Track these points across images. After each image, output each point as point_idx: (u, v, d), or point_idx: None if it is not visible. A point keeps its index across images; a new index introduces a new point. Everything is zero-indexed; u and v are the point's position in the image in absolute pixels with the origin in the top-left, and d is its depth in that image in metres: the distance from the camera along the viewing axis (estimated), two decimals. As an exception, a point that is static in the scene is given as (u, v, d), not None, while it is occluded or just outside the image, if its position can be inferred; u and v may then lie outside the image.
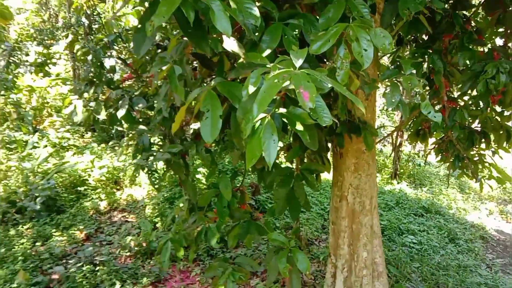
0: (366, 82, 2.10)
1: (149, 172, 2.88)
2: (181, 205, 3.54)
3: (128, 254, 5.78)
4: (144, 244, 5.79)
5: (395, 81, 2.00)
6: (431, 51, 3.86)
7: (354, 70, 2.00)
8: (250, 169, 3.36)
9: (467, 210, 8.64)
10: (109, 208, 7.27)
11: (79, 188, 7.48)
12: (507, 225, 8.17)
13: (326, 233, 6.96)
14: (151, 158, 2.88)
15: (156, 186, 2.95)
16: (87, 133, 10.49)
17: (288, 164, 3.47)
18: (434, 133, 5.02)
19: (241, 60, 1.94)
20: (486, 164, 5.02)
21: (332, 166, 3.61)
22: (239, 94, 1.69)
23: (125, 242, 5.90)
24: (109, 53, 3.83)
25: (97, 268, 5.14)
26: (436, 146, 5.14)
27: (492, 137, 4.70)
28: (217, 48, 1.98)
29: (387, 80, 2.05)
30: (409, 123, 5.15)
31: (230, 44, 1.87)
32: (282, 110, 1.59)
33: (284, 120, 1.61)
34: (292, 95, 1.76)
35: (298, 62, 1.55)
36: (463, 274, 5.75)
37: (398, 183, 9.63)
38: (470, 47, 3.72)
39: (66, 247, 5.70)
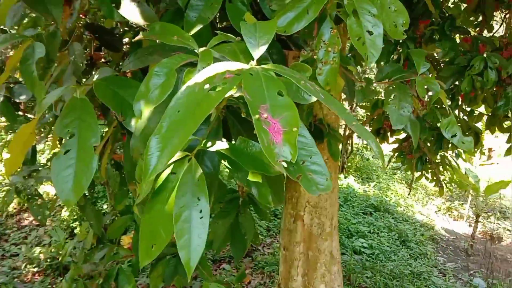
0: (353, 83, 1.34)
1: (28, 197, 1.97)
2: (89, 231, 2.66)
3: (36, 269, 4.79)
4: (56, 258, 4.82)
5: (402, 84, 1.26)
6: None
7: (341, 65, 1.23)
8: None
9: (414, 207, 8.35)
10: (18, 208, 6.13)
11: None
12: (455, 224, 7.95)
13: (272, 236, 6.31)
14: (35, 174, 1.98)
15: (39, 217, 2.04)
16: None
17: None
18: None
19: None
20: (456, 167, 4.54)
21: (285, 178, 2.88)
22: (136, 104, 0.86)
23: (33, 255, 4.89)
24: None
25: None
26: (399, 147, 4.59)
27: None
28: (112, 16, 1.14)
29: (386, 80, 1.31)
30: (369, 121, 4.54)
31: (128, 9, 1.02)
32: (221, 145, 0.79)
33: (225, 165, 0.81)
34: (238, 104, 0.98)
35: (257, 50, 0.76)
36: (417, 283, 5.34)
37: (345, 177, 9.18)
38: (452, 35, 3.10)
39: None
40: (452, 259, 6.45)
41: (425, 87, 1.21)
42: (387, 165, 7.52)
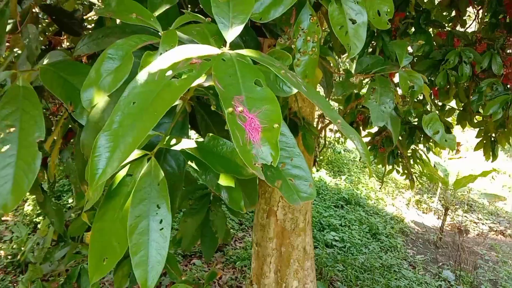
0: (331, 75, 1.25)
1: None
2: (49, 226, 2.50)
3: (-4, 267, 4.55)
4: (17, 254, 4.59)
5: (384, 77, 1.18)
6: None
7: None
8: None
9: (385, 200, 8.44)
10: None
11: None
12: (424, 216, 8.08)
13: (244, 230, 6.23)
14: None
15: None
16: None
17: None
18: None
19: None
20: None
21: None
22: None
23: (-8, 252, 4.65)
24: None
25: None
26: (371, 141, 4.58)
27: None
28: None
29: (366, 74, 1.22)
30: (342, 115, 4.50)
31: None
32: (187, 143, 0.68)
33: (193, 166, 0.70)
34: (208, 95, 0.87)
35: (231, 32, 0.66)
36: (387, 276, 5.38)
37: (317, 170, 9.17)
38: (426, 29, 3.07)
39: None
40: (421, 251, 6.55)
41: (408, 80, 1.13)
42: (360, 158, 7.55)
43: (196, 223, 1.92)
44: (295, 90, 0.67)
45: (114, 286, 2.37)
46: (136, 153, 0.63)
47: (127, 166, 0.63)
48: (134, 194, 0.59)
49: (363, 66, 1.23)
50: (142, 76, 0.56)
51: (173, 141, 0.66)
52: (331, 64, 1.22)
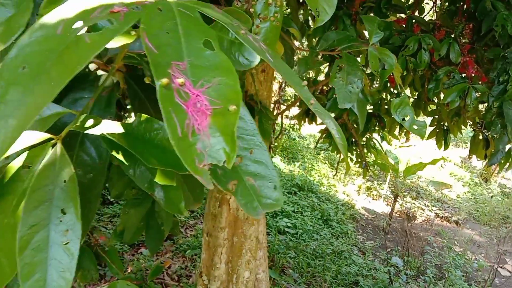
0: (293, 51, 1.11)
1: None
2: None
3: None
4: None
5: (351, 55, 1.05)
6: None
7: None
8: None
9: (337, 186, 8.53)
10: None
11: None
12: (374, 203, 8.25)
13: (195, 217, 6.06)
14: None
15: None
16: None
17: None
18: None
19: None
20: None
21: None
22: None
23: None
24: None
25: None
26: (326, 128, 4.52)
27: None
28: None
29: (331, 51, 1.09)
30: (299, 102, 4.40)
31: None
32: (109, 126, 0.51)
33: (116, 156, 0.53)
34: (141, 63, 0.69)
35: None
36: (338, 262, 5.42)
37: (272, 157, 9.13)
38: (387, 14, 2.99)
39: None
40: (371, 237, 6.66)
41: (379, 58, 1.01)
42: (315, 146, 7.54)
43: (140, 214, 1.74)
44: (255, 62, 0.52)
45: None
46: (37, 137, 0.46)
47: (25, 154, 0.46)
48: (30, 195, 0.42)
49: (329, 42, 1.10)
50: (38, 29, 0.39)
51: (90, 122, 0.49)
52: (294, 39, 1.07)
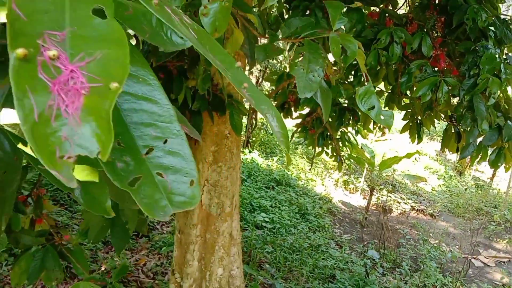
0: (255, 39, 1.06)
1: None
2: None
3: None
4: None
5: (313, 42, 1.01)
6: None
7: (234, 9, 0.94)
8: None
9: (314, 180, 8.55)
10: None
11: None
12: (351, 196, 8.30)
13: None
14: None
15: None
16: None
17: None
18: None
19: None
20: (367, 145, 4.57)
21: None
22: None
23: None
24: None
25: None
26: (301, 122, 4.50)
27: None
28: None
29: (294, 38, 1.04)
30: (274, 95, 4.36)
31: None
32: (12, 116, 0.45)
33: (23, 149, 0.46)
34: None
35: None
36: (315, 256, 5.43)
37: (250, 152, 9.09)
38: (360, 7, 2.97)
39: None
40: (348, 231, 6.71)
41: (340, 45, 0.97)
42: (290, 140, 7.53)
43: (103, 211, 1.67)
44: (188, 43, 0.47)
45: (12, 284, 2.07)
46: None
47: None
48: None
49: (292, 29, 1.05)
50: None
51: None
52: (255, 26, 1.02)
